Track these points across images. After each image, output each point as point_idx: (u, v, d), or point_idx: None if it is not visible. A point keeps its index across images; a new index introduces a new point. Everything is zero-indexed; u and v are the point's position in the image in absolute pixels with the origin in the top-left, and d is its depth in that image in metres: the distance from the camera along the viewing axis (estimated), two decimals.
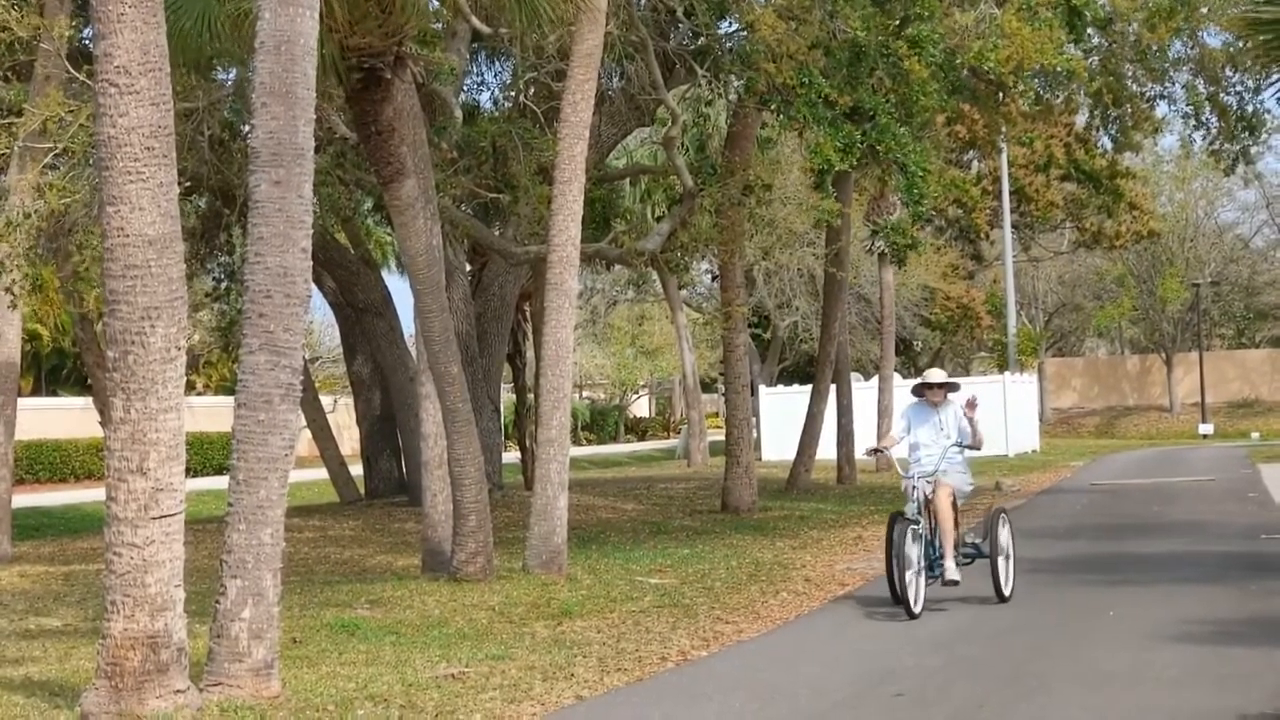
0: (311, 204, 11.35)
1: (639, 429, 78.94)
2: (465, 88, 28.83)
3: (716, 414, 65.25)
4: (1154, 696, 10.01)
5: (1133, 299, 66.26)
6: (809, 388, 34.79)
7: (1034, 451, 48.98)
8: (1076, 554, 19.00)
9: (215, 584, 10.94)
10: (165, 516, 10.04)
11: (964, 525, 15.24)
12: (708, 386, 64.61)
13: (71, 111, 19.09)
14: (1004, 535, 14.89)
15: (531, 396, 30.60)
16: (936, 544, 14.40)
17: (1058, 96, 30.00)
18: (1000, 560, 14.72)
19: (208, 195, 26.39)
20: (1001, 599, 14.61)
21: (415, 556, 19.52)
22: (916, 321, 56.52)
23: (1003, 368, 53.77)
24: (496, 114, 28.97)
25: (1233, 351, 71.84)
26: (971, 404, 14.71)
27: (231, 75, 22.68)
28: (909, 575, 13.69)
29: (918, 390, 15.18)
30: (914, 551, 13.88)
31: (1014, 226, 55.20)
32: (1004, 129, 32.32)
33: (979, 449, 14.94)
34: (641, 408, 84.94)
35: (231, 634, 10.60)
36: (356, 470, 33.40)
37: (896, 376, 43.60)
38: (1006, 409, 47.17)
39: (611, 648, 12.79)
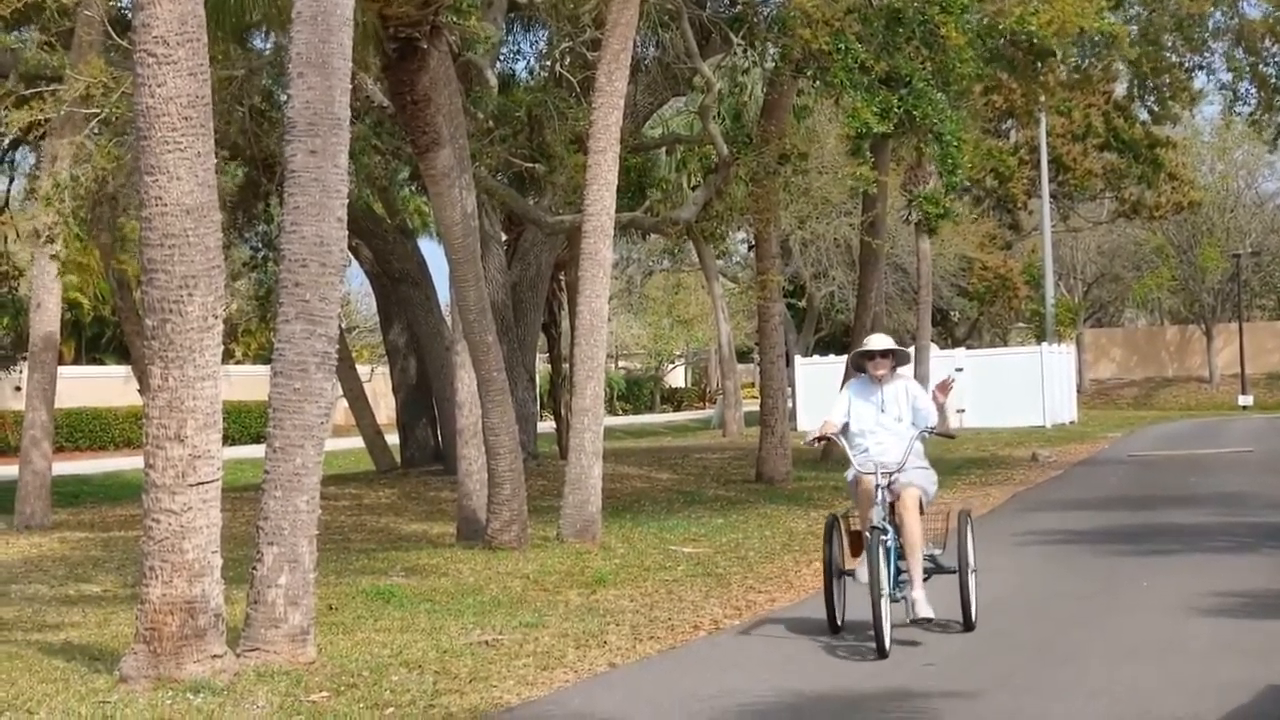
0: (348, 173, 11.41)
1: (674, 399, 78.97)
2: (501, 57, 28.84)
3: (752, 384, 65.25)
4: (1186, 667, 10.01)
5: (1172, 269, 65.97)
6: (844, 358, 34.74)
7: (1071, 423, 48.86)
8: (1111, 525, 18.97)
9: (252, 551, 11.03)
10: (203, 483, 10.12)
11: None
12: (743, 356, 64.56)
13: (114, 79, 19.20)
14: (968, 546, 11.68)
15: (566, 366, 30.65)
16: (892, 561, 11.15)
17: (1096, 65, 29.83)
18: (969, 578, 11.59)
19: (245, 164, 26.48)
20: (969, 626, 11.51)
21: (450, 525, 19.61)
22: (954, 292, 56.33)
23: (1040, 338, 53.59)
24: (532, 83, 28.97)
25: (1273, 322, 71.46)
26: (945, 387, 11.64)
27: (269, 44, 22.76)
28: (883, 603, 10.58)
29: (857, 362, 12.07)
30: (885, 569, 10.82)
31: (1052, 196, 54.95)
32: (1042, 98, 32.15)
33: (951, 436, 13.09)
34: (677, 378, 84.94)
35: (268, 600, 10.69)
36: (392, 439, 33.53)
37: (933, 347, 43.55)
38: (1044, 380, 47.07)
39: (644, 616, 12.85)
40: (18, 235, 23.90)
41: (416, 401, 32.81)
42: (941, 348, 51.90)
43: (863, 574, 10.89)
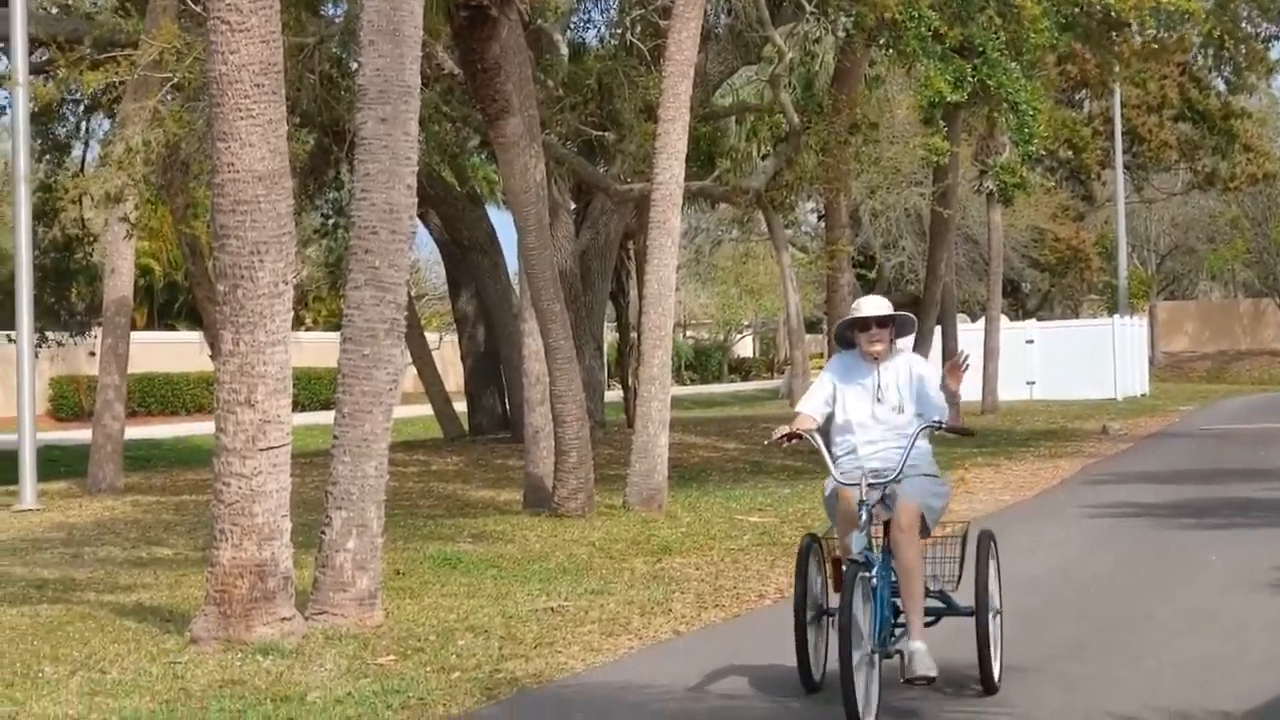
0: (418, 141, 11.46)
1: (742, 369, 78.88)
2: (571, 25, 28.81)
3: (820, 354, 65.07)
4: (1253, 640, 9.95)
5: (1246, 242, 65.26)
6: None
7: (1143, 395, 48.51)
8: (1181, 498, 18.84)
9: (320, 515, 11.12)
10: (273, 448, 10.21)
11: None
12: (812, 326, 64.35)
13: (186, 44, 19.33)
14: (993, 580, 8.82)
15: (634, 335, 30.67)
16: (886, 600, 8.21)
17: (1171, 36, 29.53)
18: (990, 623, 8.62)
19: (316, 131, 26.60)
20: (989, 688, 8.51)
21: (517, 492, 19.69)
22: (1025, 263, 55.98)
23: (1113, 311, 53.19)
24: (602, 51, 28.93)
25: None
26: (956, 370, 8.63)
27: (341, 11, 22.84)
28: (857, 659, 7.60)
29: (844, 335, 8.93)
30: (866, 617, 7.83)
31: (1126, 167, 54.45)
32: (1116, 69, 31.86)
33: (969, 433, 9.17)
34: (745, 347, 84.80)
35: (336, 564, 10.79)
36: (460, 406, 33.67)
37: (1004, 319, 43.35)
38: (1116, 352, 46.73)
39: (709, 584, 12.88)
40: (92, 200, 24.10)
41: (484, 369, 32.92)
42: (1012, 319, 51.62)
43: (856, 542, 8.12)
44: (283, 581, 10.28)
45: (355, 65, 12.31)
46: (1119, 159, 51.21)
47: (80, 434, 30.79)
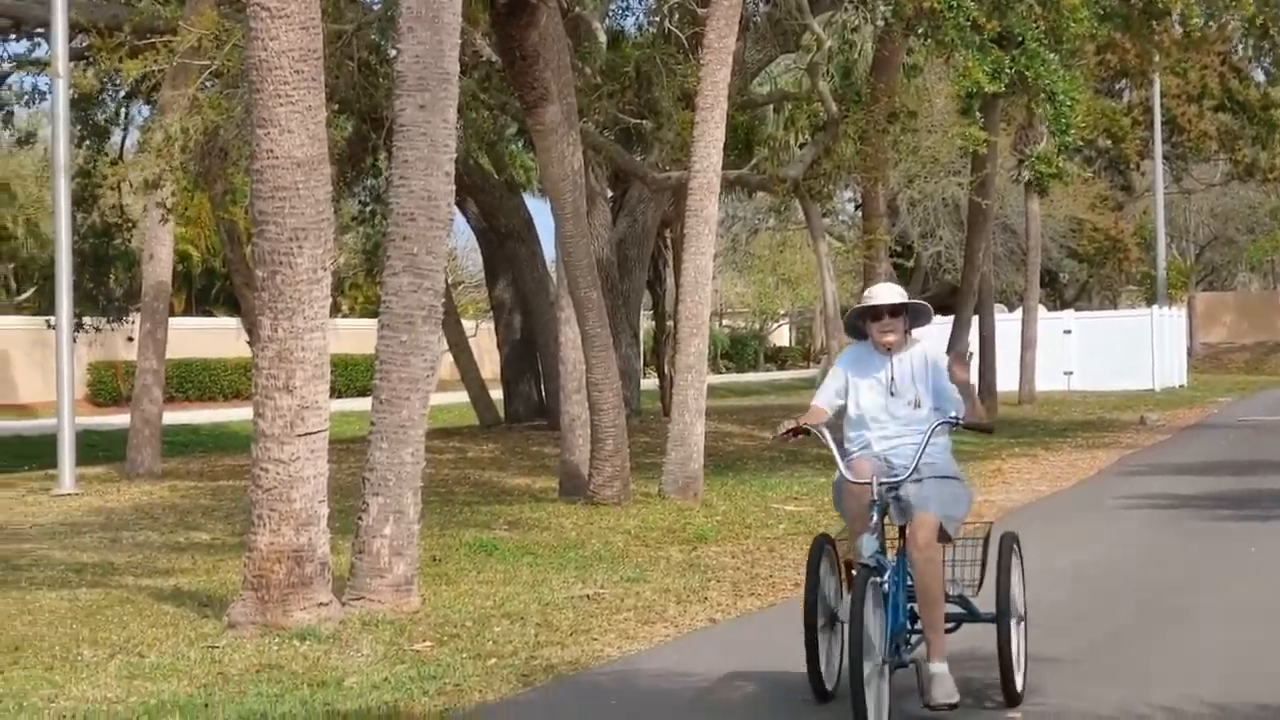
0: (456, 128, 11.46)
1: (778, 358, 78.74)
2: (610, 12, 28.78)
3: (970, 351, 64.86)
4: None
5: None
6: (951, 318, 34.54)
7: (1181, 386, 48.29)
8: (1219, 490, 18.75)
9: (357, 501, 11.16)
10: (310, 434, 10.24)
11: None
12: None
13: (225, 31, 19.38)
14: (1017, 584, 8.27)
15: (670, 323, 30.66)
16: (902, 606, 7.81)
17: (1213, 25, 29.37)
18: (1013, 631, 8.08)
19: (354, 118, 26.65)
20: (1011, 700, 8.02)
21: (553, 479, 19.72)
22: (1063, 253, 55.76)
23: (1151, 301, 52.94)
24: (640, 39, 28.89)
25: None
26: (960, 361, 8.11)
27: None
28: (868, 671, 7.10)
29: (855, 324, 8.37)
30: (878, 627, 7.32)
31: (1165, 157, 54.15)
32: (1156, 58, 31.70)
33: (988, 430, 8.41)
34: (781, 336, 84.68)
35: (373, 550, 10.81)
36: (496, 394, 33.70)
37: (1041, 309, 43.19)
38: (1154, 343, 46.54)
39: (745, 573, 12.87)
40: (130, 186, 24.22)
41: (521, 356, 32.95)
42: (1050, 309, 51.43)
43: (866, 547, 7.52)
44: (320, 567, 10.32)
45: (394, 52, 12.32)
46: (1158, 149, 50.92)
47: (118, 419, 30.94)
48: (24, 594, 12.10)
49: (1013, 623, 8.04)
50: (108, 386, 45.88)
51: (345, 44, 20.63)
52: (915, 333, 8.29)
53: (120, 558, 14.18)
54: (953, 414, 7.94)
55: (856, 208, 45.04)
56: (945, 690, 7.56)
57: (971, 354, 8.54)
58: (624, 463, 17.62)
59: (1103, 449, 25.56)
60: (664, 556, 13.77)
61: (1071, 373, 46.00)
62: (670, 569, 13.00)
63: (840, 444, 8.10)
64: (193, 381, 47.27)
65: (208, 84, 21.08)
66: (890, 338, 8.14)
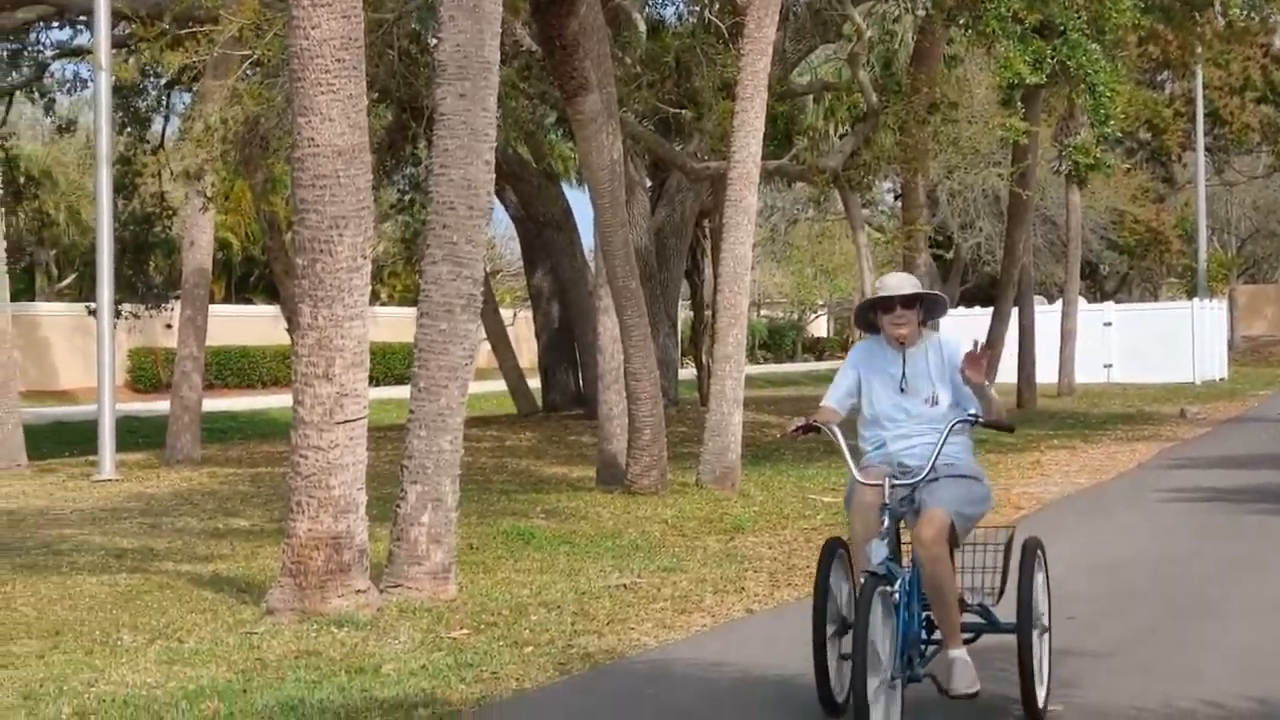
0: (496, 117, 11.47)
1: (816, 348, 78.60)
2: (650, 2, 28.79)
3: (989, 344, 64.62)
4: None
5: None
6: (990, 310, 34.44)
7: (1221, 380, 48.01)
8: (1259, 483, 18.64)
9: (396, 489, 11.19)
10: (349, 421, 10.27)
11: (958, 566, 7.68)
12: None
13: (266, 20, 19.44)
14: (1040, 592, 7.75)
15: (709, 313, 30.64)
16: (916, 615, 7.35)
17: (1254, 17, 29.20)
18: (1036, 643, 7.53)
19: (395, 107, 26.71)
20: (1033, 716, 7.52)
21: (590, 468, 19.74)
22: (1104, 245, 55.48)
23: (1192, 294, 52.66)
24: (680, 29, 28.88)
25: None
26: (975, 361, 7.42)
27: None
28: (874, 688, 6.66)
29: (866, 318, 7.89)
30: (887, 640, 6.82)
31: (1207, 149, 53.82)
32: (1198, 50, 31.52)
33: (1009, 429, 7.79)
34: (820, 327, 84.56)
35: (411, 537, 10.85)
36: (534, 383, 33.76)
37: (1081, 301, 43.01)
38: (1195, 336, 46.30)
39: (782, 563, 12.86)
40: (171, 174, 24.35)
41: (559, 345, 33.00)
42: (1090, 301, 51.21)
43: (874, 553, 7.11)
44: (358, 554, 10.35)
45: (434, 41, 12.32)
46: (1200, 141, 50.62)
47: (158, 405, 31.12)
48: (64, 579, 12.18)
49: (1035, 634, 7.52)
50: (148, 373, 46.11)
51: (386, 32, 20.68)
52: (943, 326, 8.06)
53: (160, 543, 14.26)
54: (971, 411, 7.45)
55: (896, 198, 44.89)
56: (965, 679, 7.15)
57: (982, 348, 7.48)
58: (661, 452, 17.63)
59: (1142, 442, 25.45)
60: (701, 546, 13.78)
61: (1111, 365, 45.80)
62: (707, 559, 13.00)
63: (855, 447, 7.69)
64: (232, 369, 47.46)
65: (249, 73, 21.15)
66: (903, 330, 7.62)
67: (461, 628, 9.94)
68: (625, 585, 11.65)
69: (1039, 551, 7.72)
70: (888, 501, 7.20)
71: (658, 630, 10.04)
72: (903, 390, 7.63)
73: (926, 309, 7.71)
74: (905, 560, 7.40)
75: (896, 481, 7.29)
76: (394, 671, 8.69)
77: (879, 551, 7.02)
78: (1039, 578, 7.71)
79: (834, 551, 7.50)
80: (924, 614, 7.41)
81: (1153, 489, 18.19)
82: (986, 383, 7.53)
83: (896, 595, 6.97)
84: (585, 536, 14.28)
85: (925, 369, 7.64)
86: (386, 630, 9.79)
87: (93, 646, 9.49)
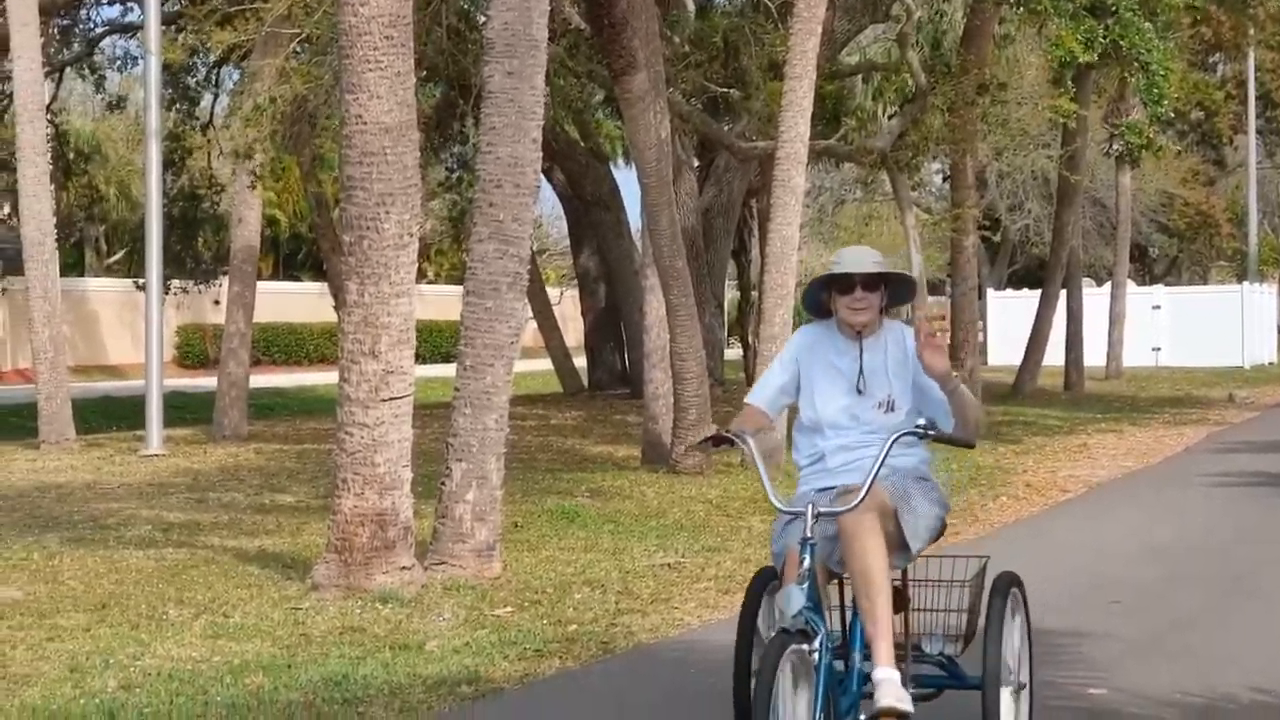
0: (543, 95, 11.46)
1: None
2: None
3: (943, 317, 64.56)
4: None
5: None
6: (1038, 292, 34.27)
7: (1270, 364, 47.71)
8: None
9: (441, 467, 11.21)
10: (395, 399, 10.29)
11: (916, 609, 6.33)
12: (935, 289, 63.84)
13: None
14: (1015, 640, 6.31)
15: (755, 293, 30.58)
16: (856, 675, 5.83)
17: None
18: (1008, 704, 6.17)
19: (443, 84, 26.73)
20: None
21: (635, 448, 19.73)
22: (1153, 228, 55.16)
23: (1242, 278, 52.29)
24: (729, 8, 28.81)
25: None
26: (929, 336, 6.00)
27: None
28: None
29: (816, 299, 6.30)
30: (802, 699, 5.44)
31: (1259, 132, 53.39)
32: (1251, 31, 31.25)
33: (969, 443, 6.16)
34: None
35: (455, 515, 10.86)
36: (580, 361, 33.78)
37: (1130, 284, 42.76)
38: (1244, 320, 46.00)
39: None
40: (220, 152, 24.47)
41: (605, 325, 33.02)
42: (1139, 285, 50.91)
43: (791, 603, 5.45)
44: (403, 531, 10.38)
45: (483, 18, 12.33)
46: (1252, 124, 50.21)
47: (205, 381, 31.29)
48: (112, 553, 12.25)
49: (1006, 692, 6.08)
50: (195, 349, 46.37)
51: (435, 10, 20.68)
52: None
53: (206, 518, 14.33)
54: (920, 422, 5.84)
55: (944, 180, 44.73)
56: (893, 694, 5.65)
57: (941, 328, 5.96)
58: (706, 432, 17.60)
59: (1190, 425, 25.30)
60: (745, 526, 13.76)
61: (1160, 348, 45.54)
62: (751, 539, 12.98)
63: (769, 459, 6.28)
64: (279, 345, 47.68)
65: (298, 50, 21.19)
66: (863, 317, 6.12)
67: (505, 606, 9.96)
68: (669, 565, 11.65)
69: (1014, 590, 6.31)
70: (809, 535, 5.61)
71: (701, 610, 10.03)
72: (859, 391, 6.12)
73: (892, 292, 6.25)
74: (824, 616, 5.68)
75: (824, 509, 5.72)
76: (438, 648, 8.71)
77: (795, 599, 5.44)
78: (1015, 622, 6.30)
79: (765, 583, 6.05)
80: (864, 662, 5.82)
81: (1200, 473, 18.08)
82: (954, 374, 6.00)
83: (816, 655, 5.45)
84: (629, 516, 14.28)
85: (883, 365, 6.14)
86: (430, 607, 9.82)
87: (139, 620, 9.55)
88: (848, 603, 6.02)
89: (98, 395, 31.41)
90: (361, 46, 10.18)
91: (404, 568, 10.34)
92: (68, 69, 33.66)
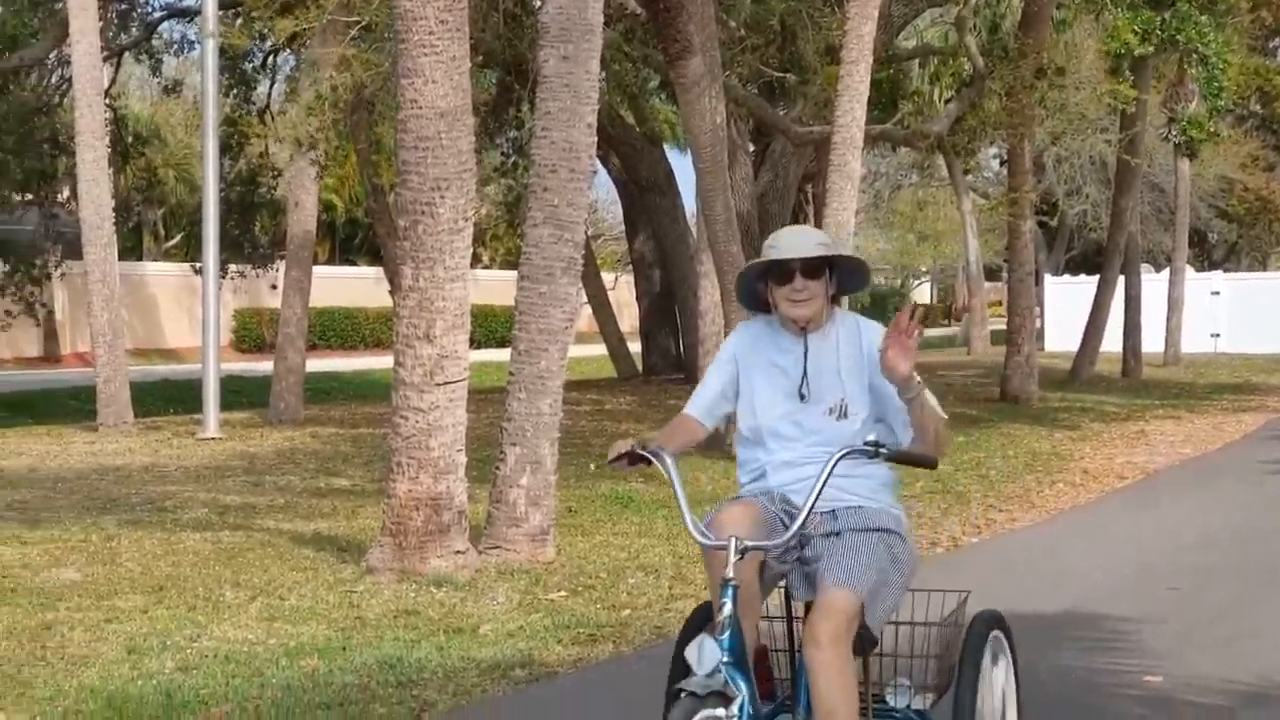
0: (598, 80, 11.45)
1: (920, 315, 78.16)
2: None
3: (999, 302, 64.30)
4: None
5: None
6: (1096, 278, 34.04)
7: None
8: None
9: (495, 451, 11.23)
10: (449, 383, 10.31)
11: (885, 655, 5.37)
12: (991, 274, 63.65)
13: None
14: (996, 689, 5.46)
15: None
16: (802, 693, 4.96)
17: None
18: None
19: (499, 69, 26.76)
20: None
21: None
22: (1212, 213, 54.72)
23: None
24: None
25: None
26: (902, 330, 4.89)
27: None
28: None
29: (753, 290, 5.45)
30: None
31: None
32: None
33: (931, 463, 5.12)
34: (922, 294, 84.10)
35: (509, 500, 10.89)
36: (635, 346, 33.79)
37: (1189, 269, 42.43)
38: None
39: None
40: (279, 139, 24.59)
41: (659, 310, 33.01)
42: (1197, 270, 50.54)
43: (700, 664, 4.53)
44: (457, 515, 10.40)
45: (538, 3, 12.33)
46: None
47: (262, 365, 31.44)
48: (169, 535, 12.34)
49: None
50: (252, 333, 46.63)
51: None
52: None
53: (262, 501, 14.40)
54: (869, 438, 4.96)
55: (1001, 164, 44.50)
56: None
57: (915, 317, 4.93)
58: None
59: (1249, 412, 25.10)
60: None
61: (1219, 335, 45.19)
62: None
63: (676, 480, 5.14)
64: (335, 330, 47.89)
65: (357, 35, 21.25)
66: (804, 310, 5.21)
67: (559, 590, 9.98)
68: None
69: (996, 633, 5.43)
70: (729, 575, 4.70)
71: None
72: (802, 396, 5.22)
73: (840, 279, 5.32)
74: (741, 673, 4.66)
75: (750, 544, 4.80)
76: (491, 632, 8.73)
77: (708, 655, 4.52)
78: (998, 669, 5.46)
79: (699, 627, 5.09)
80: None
81: (1258, 460, 17.95)
82: (918, 380, 5.00)
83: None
84: None
85: (834, 364, 5.23)
86: (484, 591, 9.85)
87: (196, 602, 9.61)
88: (798, 637, 5.12)
89: (156, 379, 31.63)
90: (417, 31, 10.19)
91: (458, 552, 10.37)
92: (126, 53, 33.86)
